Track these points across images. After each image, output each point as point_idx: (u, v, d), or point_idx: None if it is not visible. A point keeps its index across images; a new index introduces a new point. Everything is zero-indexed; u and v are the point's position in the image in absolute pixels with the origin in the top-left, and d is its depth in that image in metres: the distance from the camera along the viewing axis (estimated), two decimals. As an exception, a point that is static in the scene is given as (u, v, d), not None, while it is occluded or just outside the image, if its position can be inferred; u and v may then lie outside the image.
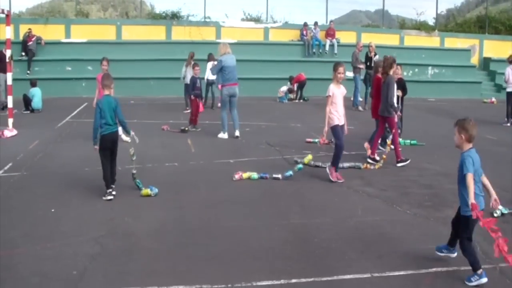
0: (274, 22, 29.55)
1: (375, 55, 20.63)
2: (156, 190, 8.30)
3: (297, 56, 26.70)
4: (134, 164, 8.55)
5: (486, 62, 30.56)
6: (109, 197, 8.03)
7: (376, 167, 10.48)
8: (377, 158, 10.83)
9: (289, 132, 14.83)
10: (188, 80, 19.60)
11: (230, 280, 5.34)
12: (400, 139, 13.18)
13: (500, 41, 31.20)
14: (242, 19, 30.47)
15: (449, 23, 36.66)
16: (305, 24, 27.39)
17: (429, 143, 13.12)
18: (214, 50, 22.61)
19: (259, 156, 11.41)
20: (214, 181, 9.30)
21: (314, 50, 27.07)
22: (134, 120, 14.50)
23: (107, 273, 5.48)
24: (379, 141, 11.47)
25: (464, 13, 57.93)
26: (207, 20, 28.65)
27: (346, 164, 10.30)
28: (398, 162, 10.70)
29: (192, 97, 14.97)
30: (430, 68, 28.16)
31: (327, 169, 9.33)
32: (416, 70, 27.47)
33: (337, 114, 9.29)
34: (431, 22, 33.45)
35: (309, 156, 9.41)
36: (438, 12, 35.02)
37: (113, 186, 8.22)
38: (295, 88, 23.21)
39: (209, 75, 19.65)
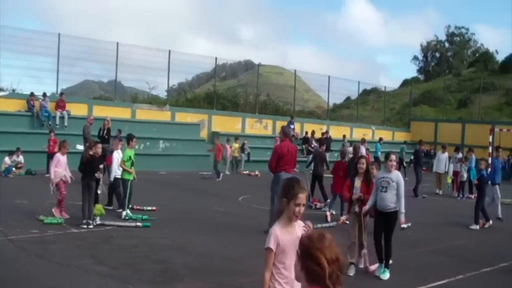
0: (1, 90, 27.99)
1: (108, 130, 20.72)
2: None
3: (26, 128, 25.26)
4: None
5: (214, 136, 32.47)
6: None
7: None
8: None
9: (14, 209, 13.67)
10: None
11: None
12: (132, 214, 13.20)
13: (227, 116, 33.69)
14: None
15: (180, 98, 38.48)
16: (32, 94, 26.14)
17: (161, 217, 13.24)
18: None
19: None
20: None
21: (43, 122, 26.06)
22: None
23: None
24: None
25: (195, 87, 61.49)
26: None
27: None
28: None
29: None
30: (161, 141, 28.96)
31: None
32: (148, 143, 27.97)
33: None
34: (163, 95, 34.74)
35: None
36: (170, 85, 36.64)
37: None
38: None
39: None
